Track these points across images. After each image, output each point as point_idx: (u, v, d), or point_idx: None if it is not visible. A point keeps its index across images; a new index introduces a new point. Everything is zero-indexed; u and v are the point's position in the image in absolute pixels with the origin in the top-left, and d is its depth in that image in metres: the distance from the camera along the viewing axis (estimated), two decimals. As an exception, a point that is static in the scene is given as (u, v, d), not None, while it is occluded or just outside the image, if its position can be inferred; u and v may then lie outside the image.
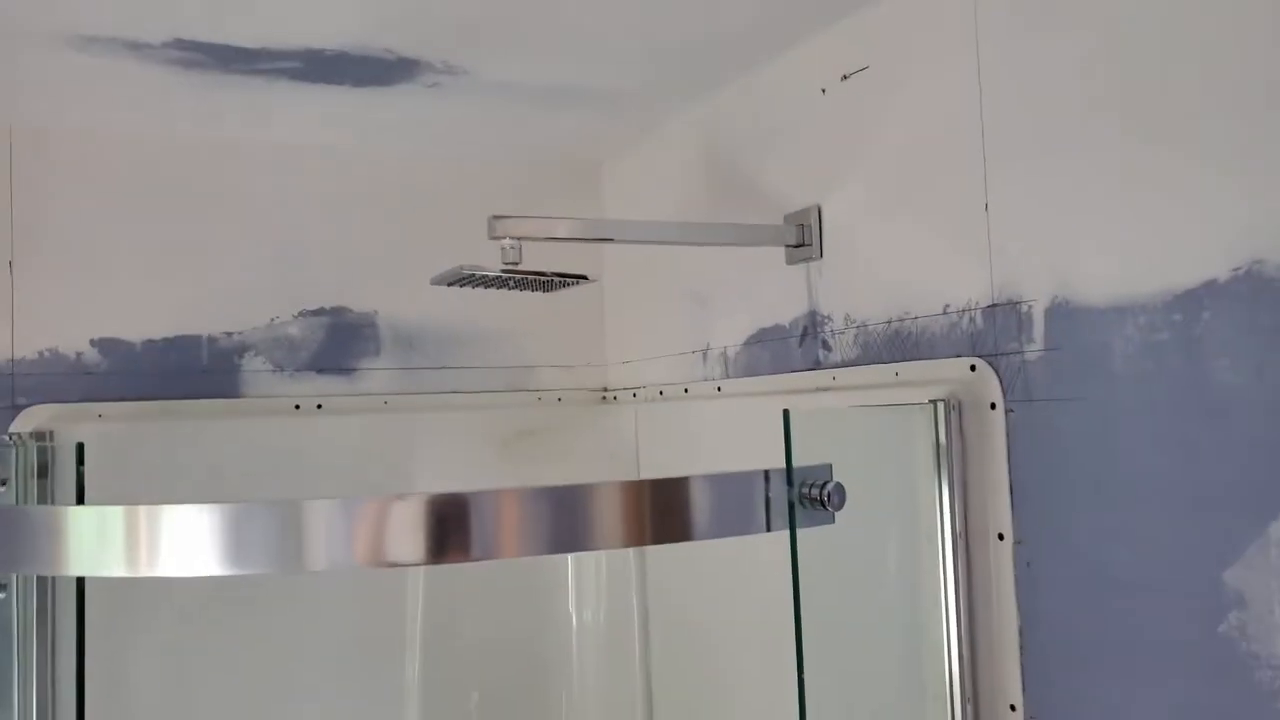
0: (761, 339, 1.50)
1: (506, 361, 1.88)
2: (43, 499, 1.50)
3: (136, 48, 1.32)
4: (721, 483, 0.90)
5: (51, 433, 1.54)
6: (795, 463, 0.94)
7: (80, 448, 0.93)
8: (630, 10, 1.26)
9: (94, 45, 1.31)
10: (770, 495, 0.90)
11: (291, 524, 0.82)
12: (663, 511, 0.89)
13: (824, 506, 0.90)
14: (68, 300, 1.60)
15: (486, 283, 1.21)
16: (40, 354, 1.58)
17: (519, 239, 1.22)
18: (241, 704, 1.62)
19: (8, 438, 1.47)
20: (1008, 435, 1.07)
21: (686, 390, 1.69)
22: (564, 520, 0.86)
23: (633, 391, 1.86)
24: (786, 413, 0.90)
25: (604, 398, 1.95)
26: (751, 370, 1.52)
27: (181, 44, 1.31)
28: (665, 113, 1.69)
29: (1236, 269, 0.85)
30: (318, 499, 0.82)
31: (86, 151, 1.62)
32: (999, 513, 1.07)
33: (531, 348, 1.91)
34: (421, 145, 1.81)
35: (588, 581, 1.89)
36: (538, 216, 1.22)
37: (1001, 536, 1.07)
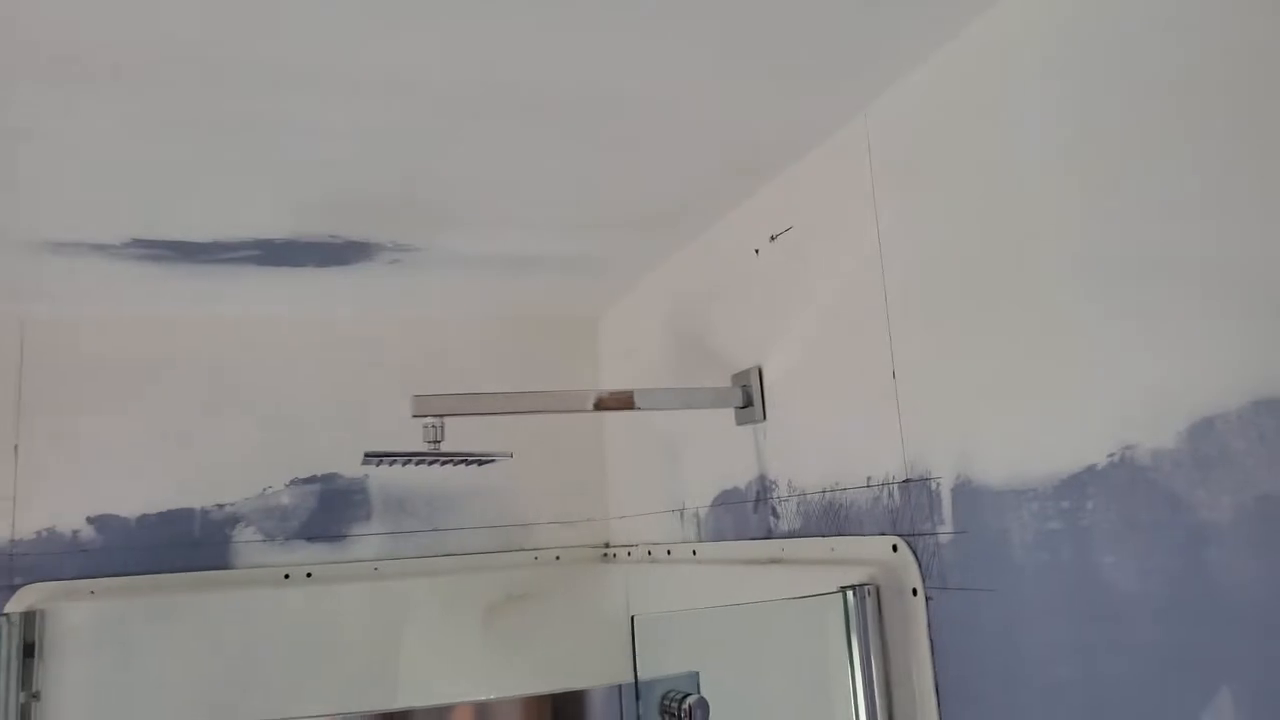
0: (724, 500, 1.43)
1: (503, 520, 1.86)
2: (27, 679, 1.53)
3: (101, 248, 1.39)
4: (580, 698, 0.85)
5: (42, 612, 1.58)
6: (675, 668, 0.88)
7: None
8: (551, 191, 1.26)
9: (65, 249, 1.39)
10: (624, 711, 0.84)
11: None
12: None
13: (684, 722, 0.83)
14: (66, 479, 1.66)
15: (403, 461, 1.20)
16: (38, 534, 1.64)
17: (440, 416, 1.21)
18: None
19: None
20: (929, 625, 0.97)
21: (669, 552, 1.62)
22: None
23: (628, 550, 1.80)
24: (633, 619, 0.84)
25: (605, 555, 1.90)
26: (719, 534, 1.45)
27: (140, 243, 1.38)
28: (631, 274, 1.69)
29: (1111, 455, 0.77)
30: None
31: (82, 338, 1.71)
32: (925, 713, 0.97)
33: (529, 504, 1.88)
34: (404, 312, 1.84)
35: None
36: (457, 394, 1.21)
37: (930, 740, 0.97)
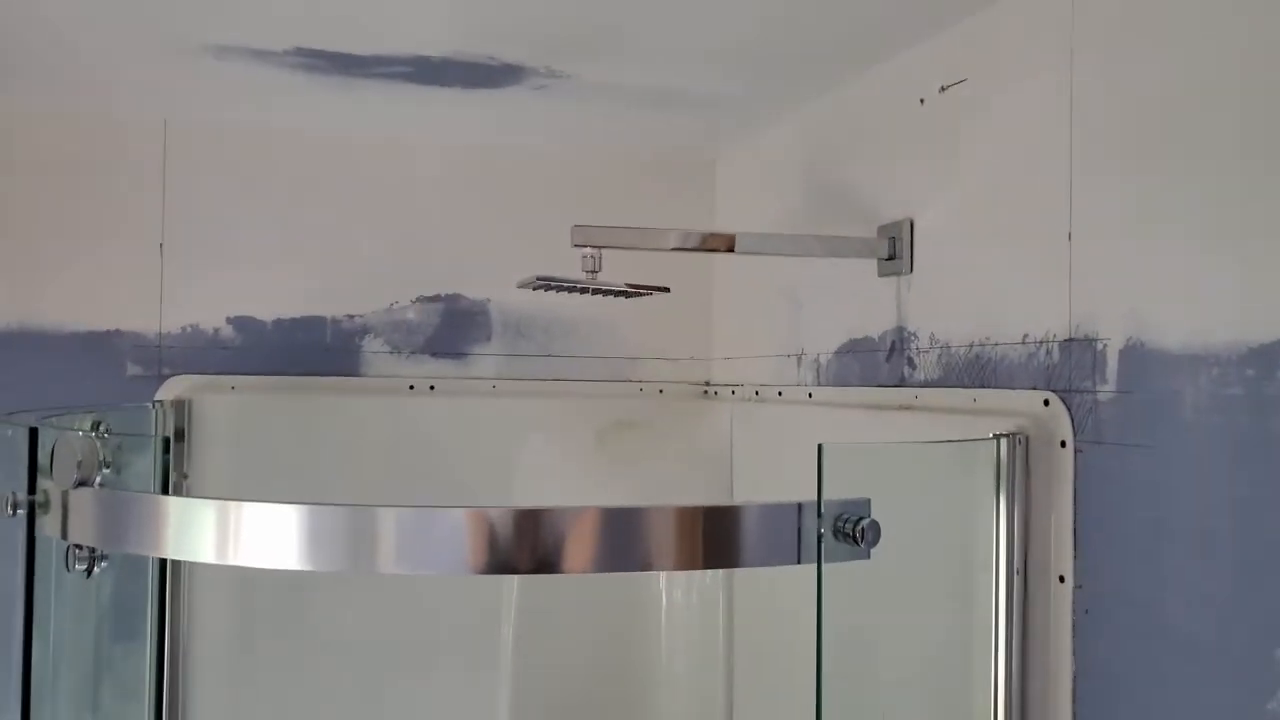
0: (853, 349, 1.48)
1: (612, 351, 1.93)
2: (179, 461, 1.65)
3: (263, 55, 1.41)
4: (756, 513, 0.91)
5: (190, 401, 1.68)
6: (840, 494, 0.94)
7: (166, 440, 1.02)
8: (727, 19, 1.26)
9: (227, 53, 1.41)
10: (803, 528, 0.90)
11: (365, 528, 0.88)
12: (699, 537, 0.91)
13: (857, 543, 0.90)
14: (208, 280, 1.74)
15: (567, 288, 1.25)
16: (183, 329, 1.73)
17: (599, 248, 1.25)
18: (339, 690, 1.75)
19: (150, 405, 1.62)
20: (1075, 475, 1.03)
21: (780, 393, 1.69)
22: (614, 541, 0.90)
23: (731, 389, 1.87)
24: (821, 446, 0.90)
25: (705, 392, 1.97)
26: (842, 380, 1.51)
27: (301, 52, 1.39)
28: (769, 116, 1.68)
29: (1312, 328, 0.80)
30: (389, 506, 0.87)
31: (227, 146, 1.75)
32: (1061, 554, 1.04)
33: (637, 339, 1.94)
34: (535, 141, 1.86)
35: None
36: (618, 227, 1.25)
37: (1062, 579, 1.04)
